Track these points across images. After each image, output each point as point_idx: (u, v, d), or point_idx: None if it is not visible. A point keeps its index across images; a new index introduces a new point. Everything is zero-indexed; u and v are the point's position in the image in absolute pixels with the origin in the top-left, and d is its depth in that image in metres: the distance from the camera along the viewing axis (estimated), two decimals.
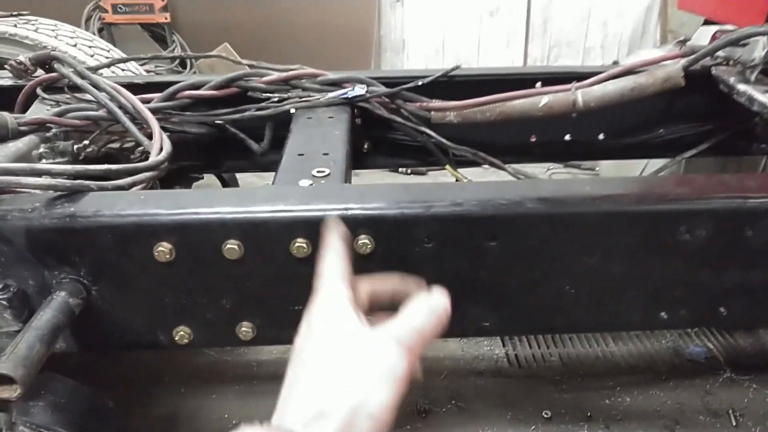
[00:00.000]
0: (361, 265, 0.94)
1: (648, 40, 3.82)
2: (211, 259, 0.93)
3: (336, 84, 1.55)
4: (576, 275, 0.98)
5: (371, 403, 0.54)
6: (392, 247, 0.94)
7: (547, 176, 3.39)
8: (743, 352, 2.06)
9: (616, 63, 1.86)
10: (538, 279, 0.98)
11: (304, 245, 0.92)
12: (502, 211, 0.93)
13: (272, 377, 1.93)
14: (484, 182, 1.01)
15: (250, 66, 1.62)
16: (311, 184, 1.06)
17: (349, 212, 0.93)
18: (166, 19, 3.43)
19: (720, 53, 1.47)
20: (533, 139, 1.78)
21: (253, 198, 0.96)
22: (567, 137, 1.79)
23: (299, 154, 1.21)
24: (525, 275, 0.98)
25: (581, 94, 1.47)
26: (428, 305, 0.65)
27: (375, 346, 0.58)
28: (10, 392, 0.77)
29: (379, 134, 1.69)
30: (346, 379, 0.55)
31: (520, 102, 1.52)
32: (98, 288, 0.95)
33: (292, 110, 1.47)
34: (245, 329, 1.00)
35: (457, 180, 1.72)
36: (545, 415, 1.79)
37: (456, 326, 1.02)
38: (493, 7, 3.74)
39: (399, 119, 1.57)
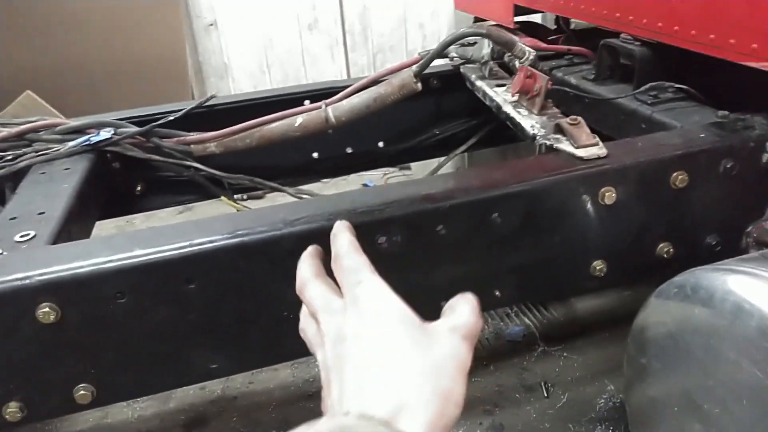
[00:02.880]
0: (48, 335, 0.88)
1: None
2: None
3: (79, 131, 1.47)
4: (290, 300, 0.97)
5: (456, 392, 0.52)
6: (81, 311, 0.89)
7: (384, 181, 3.45)
8: (556, 323, 2.18)
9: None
10: (252, 312, 0.97)
11: None
12: (191, 252, 0.90)
13: None
14: (181, 223, 0.98)
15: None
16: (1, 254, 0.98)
17: (27, 282, 0.86)
18: None
19: (454, 53, 1.55)
20: (315, 156, 1.79)
21: None
22: (348, 150, 1.81)
23: (11, 218, 1.12)
24: (236, 310, 0.96)
25: (331, 110, 1.48)
26: (471, 305, 0.62)
27: (447, 339, 0.56)
28: None
29: (150, 175, 1.62)
30: (429, 369, 0.53)
31: (277, 125, 1.52)
32: None
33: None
34: None
35: (237, 210, 1.70)
36: None
37: (182, 374, 0.99)
38: (311, 20, 3.76)
39: (157, 157, 1.51)
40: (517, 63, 1.34)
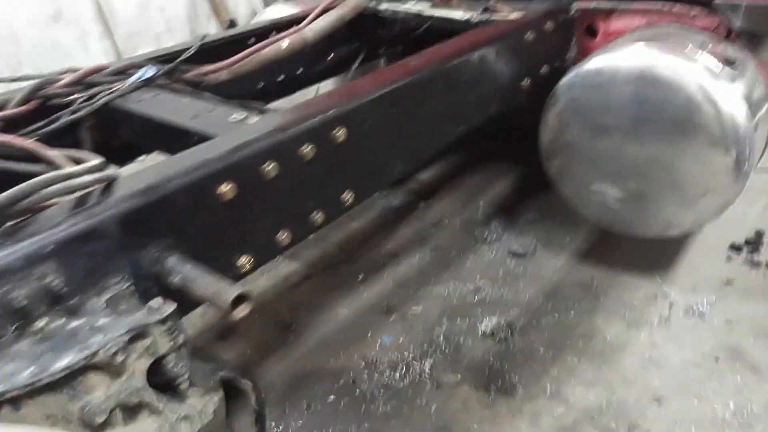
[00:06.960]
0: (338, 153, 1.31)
1: (202, 16, 4.39)
2: None
3: (122, 72, 1.63)
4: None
5: None
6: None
7: None
8: (419, 184, 3.02)
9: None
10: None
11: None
12: None
13: None
14: None
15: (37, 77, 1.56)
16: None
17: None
18: None
19: None
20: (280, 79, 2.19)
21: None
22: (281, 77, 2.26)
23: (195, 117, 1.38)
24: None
25: (309, 31, 1.97)
26: None
27: None
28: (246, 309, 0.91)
29: None
30: None
31: (267, 50, 1.92)
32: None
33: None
34: None
35: None
36: None
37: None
38: (54, 11, 3.63)
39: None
40: None
